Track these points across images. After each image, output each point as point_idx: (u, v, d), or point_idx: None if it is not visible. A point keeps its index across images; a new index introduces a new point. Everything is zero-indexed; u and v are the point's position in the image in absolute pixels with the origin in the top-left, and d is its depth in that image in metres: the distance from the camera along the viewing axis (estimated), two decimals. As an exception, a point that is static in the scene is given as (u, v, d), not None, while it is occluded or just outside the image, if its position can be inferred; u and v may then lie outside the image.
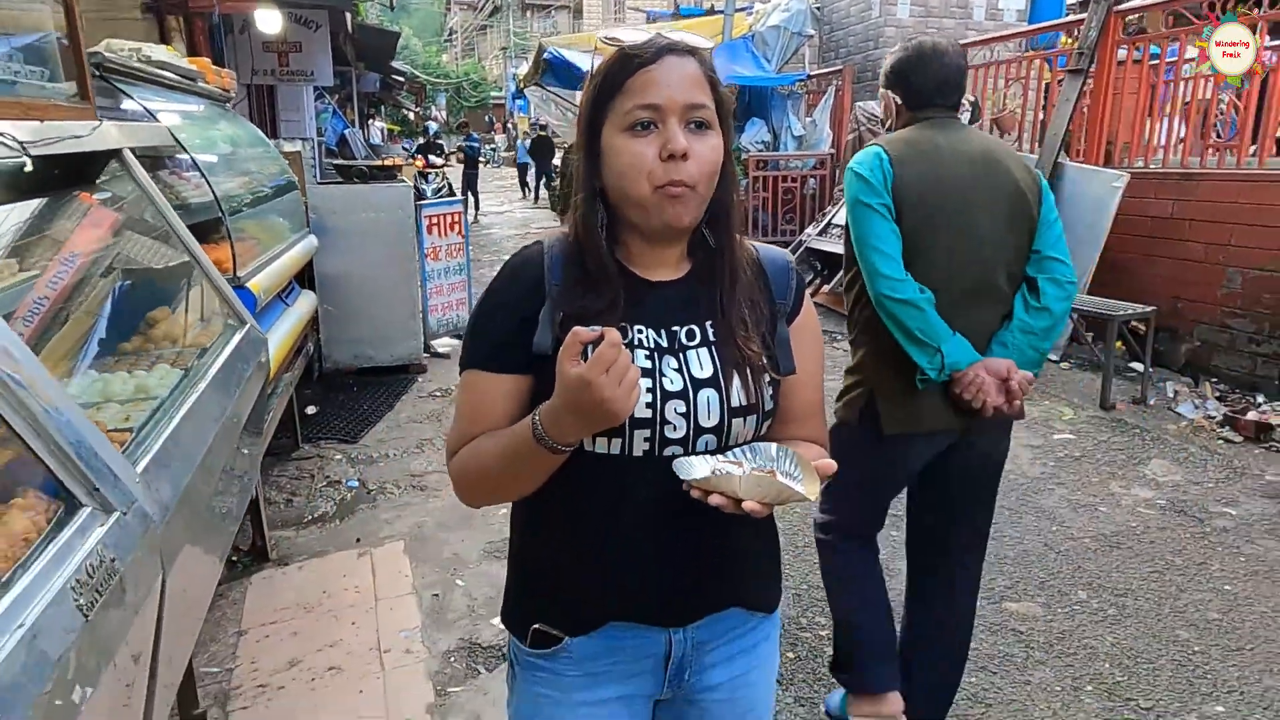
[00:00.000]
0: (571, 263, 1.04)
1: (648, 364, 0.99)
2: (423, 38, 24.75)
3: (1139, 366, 4.91)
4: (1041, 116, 6.81)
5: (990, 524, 2.14)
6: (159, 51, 3.50)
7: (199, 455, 1.74)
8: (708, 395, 1.00)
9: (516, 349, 1.01)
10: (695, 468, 0.96)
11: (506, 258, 1.11)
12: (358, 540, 3.38)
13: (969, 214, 1.84)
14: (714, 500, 0.90)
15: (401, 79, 18.63)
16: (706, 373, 1.01)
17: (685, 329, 1.03)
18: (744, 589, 1.11)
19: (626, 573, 1.04)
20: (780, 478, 0.93)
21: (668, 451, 0.99)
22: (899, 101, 2.01)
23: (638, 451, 0.99)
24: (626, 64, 0.98)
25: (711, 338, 1.03)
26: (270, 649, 2.69)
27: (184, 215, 3.10)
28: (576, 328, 0.86)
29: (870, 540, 2.16)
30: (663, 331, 1.03)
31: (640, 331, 1.02)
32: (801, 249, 7.85)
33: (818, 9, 10.85)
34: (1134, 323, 4.79)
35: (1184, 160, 5.33)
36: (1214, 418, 4.34)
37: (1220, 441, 4.11)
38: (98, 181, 2.30)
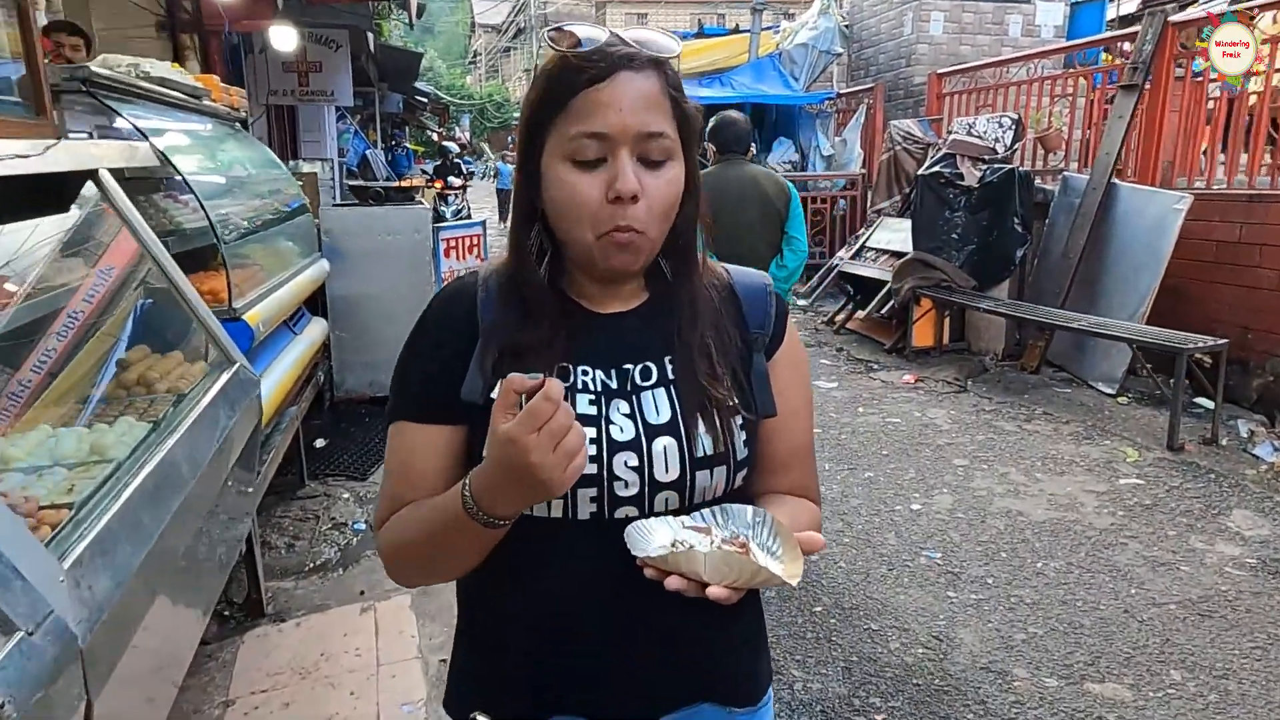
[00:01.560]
0: (509, 294, 0.90)
1: (592, 410, 0.86)
2: (447, 60, 24.87)
3: (1206, 403, 4.54)
4: (1079, 135, 6.50)
5: None
6: (160, 68, 3.29)
7: (157, 528, 1.47)
8: (665, 444, 0.85)
9: (446, 396, 0.88)
10: (653, 535, 0.80)
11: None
12: (361, 593, 3.11)
13: (740, 211, 3.25)
14: (672, 584, 0.75)
15: (425, 100, 18.62)
16: (664, 417, 0.87)
17: (640, 367, 0.90)
18: (718, 680, 0.93)
19: (572, 658, 0.88)
20: (755, 553, 0.77)
21: (620, 513, 0.85)
22: (714, 148, 3.42)
23: (583, 514, 0.84)
24: (571, 79, 0.82)
25: (670, 376, 0.89)
26: (259, 724, 2.41)
27: (177, 242, 2.89)
28: (512, 375, 0.72)
29: None
30: (612, 371, 0.89)
31: (586, 373, 0.88)
32: (834, 273, 7.55)
33: (847, 27, 10.61)
34: (1200, 355, 4.43)
35: (1251, 181, 4.97)
36: (1297, 461, 3.97)
37: (1307, 489, 3.74)
38: (74, 207, 2.07)
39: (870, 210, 8.12)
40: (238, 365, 2.26)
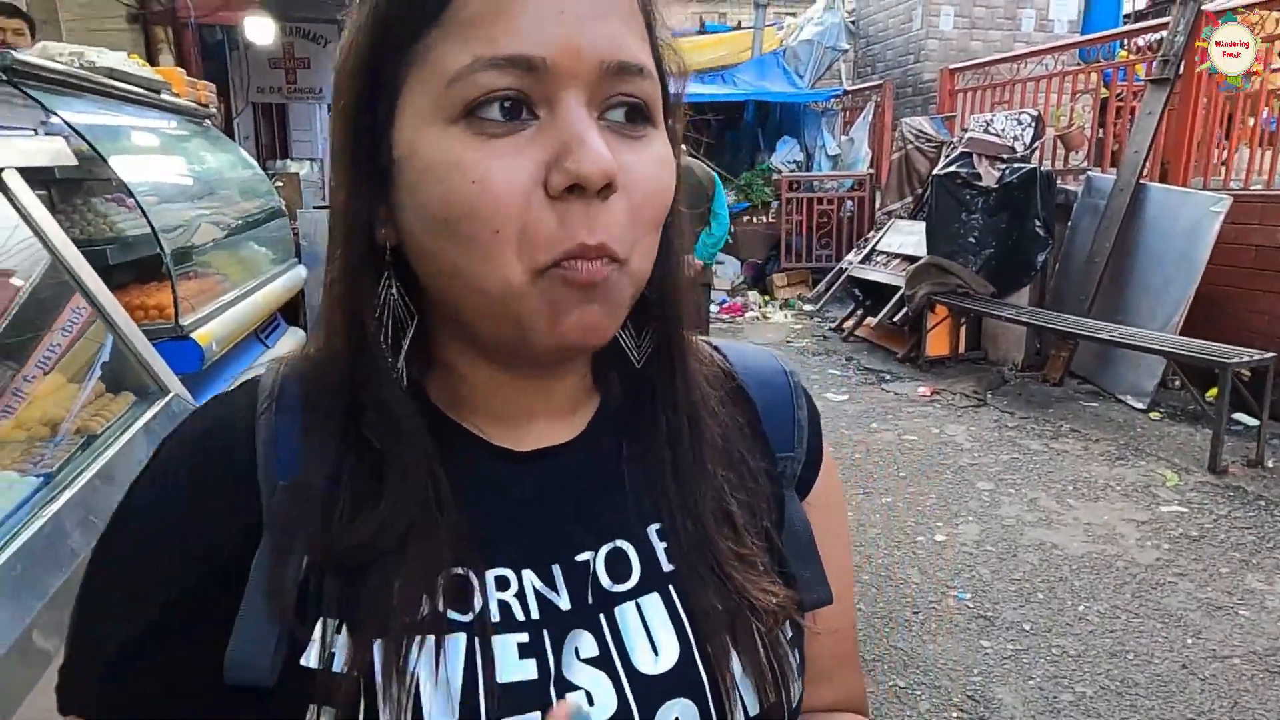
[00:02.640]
0: (319, 429, 0.46)
1: (527, 668, 0.44)
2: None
3: (1248, 419, 4.23)
4: (1100, 134, 6.20)
5: None
6: (112, 58, 2.99)
7: (29, 614, 1.16)
8: (677, 714, 0.46)
9: (180, 662, 0.44)
10: None
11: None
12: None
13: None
14: None
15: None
16: (668, 658, 0.47)
17: (606, 552, 0.49)
18: None
19: None
20: None
21: None
22: None
23: None
24: None
25: (665, 565, 0.49)
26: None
27: (118, 251, 2.59)
28: None
29: None
30: (555, 569, 0.48)
31: (503, 581, 0.46)
32: (843, 277, 7.25)
33: (853, 23, 10.30)
34: (1242, 369, 4.12)
35: (1293, 181, 4.66)
36: (1352, 486, 3.65)
37: (1368, 518, 3.43)
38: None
39: (880, 212, 7.81)
40: (171, 395, 1.96)
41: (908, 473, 4.06)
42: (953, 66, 7.80)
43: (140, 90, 3.10)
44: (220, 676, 0.43)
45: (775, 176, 9.34)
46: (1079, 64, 6.99)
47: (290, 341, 3.95)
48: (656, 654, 0.47)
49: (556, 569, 0.48)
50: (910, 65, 9.23)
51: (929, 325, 5.84)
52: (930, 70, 8.61)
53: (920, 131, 7.11)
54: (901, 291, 6.00)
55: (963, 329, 5.94)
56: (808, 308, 8.21)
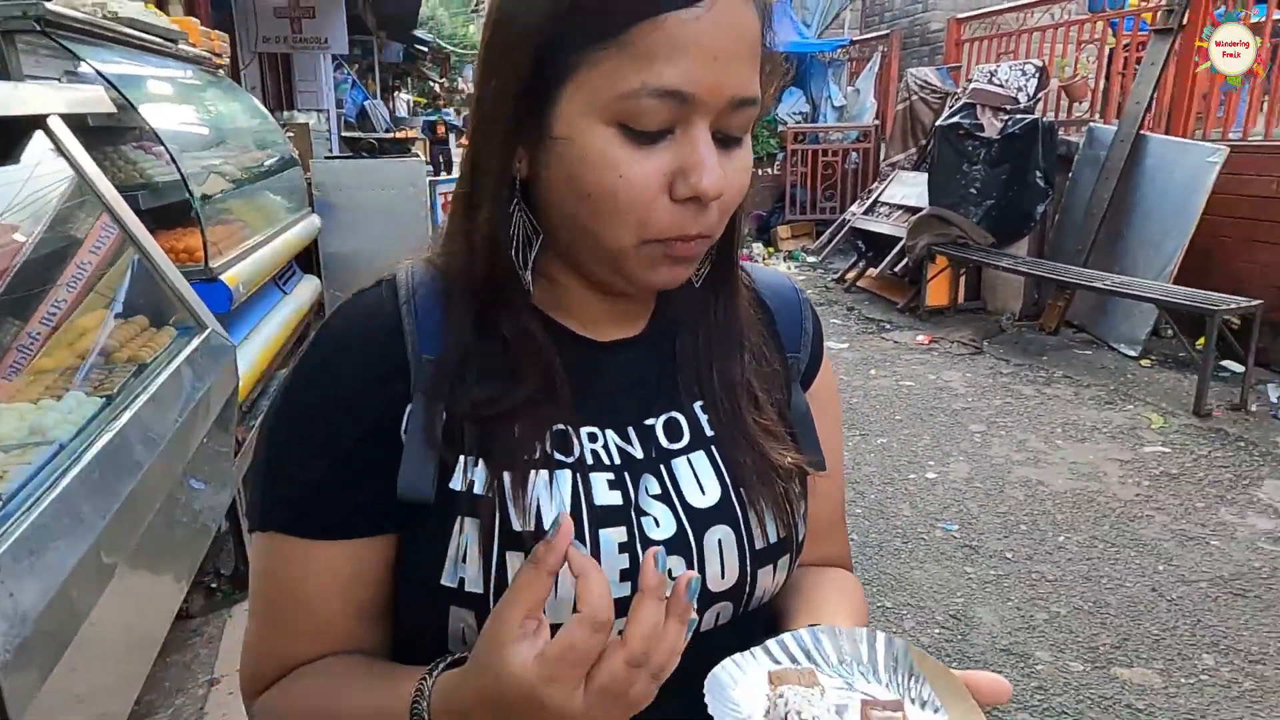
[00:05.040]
0: (460, 318, 0.60)
1: (614, 497, 0.59)
2: (449, 8, 24.27)
3: (1235, 366, 4.35)
4: (1105, 85, 6.21)
5: None
6: (131, 8, 3.07)
7: (103, 517, 1.32)
8: (720, 536, 0.61)
9: (357, 491, 0.58)
10: (735, 690, 0.53)
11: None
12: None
13: None
14: None
15: (426, 49, 18.15)
16: (711, 496, 0.62)
17: (664, 420, 0.64)
18: None
19: None
20: (915, 717, 0.53)
21: None
22: None
23: None
24: None
25: (709, 431, 0.64)
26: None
27: (148, 197, 2.70)
28: (538, 547, 0.47)
29: None
30: (630, 431, 0.62)
31: (594, 438, 0.61)
32: (846, 228, 7.32)
33: (861, -30, 10.20)
34: (1230, 317, 4.23)
35: (1291, 132, 4.71)
36: (1330, 429, 3.80)
37: (1342, 458, 3.58)
38: (22, 158, 1.89)
39: (884, 163, 7.84)
40: (209, 331, 2.10)
41: (903, 416, 4.21)
42: (959, 16, 7.75)
43: (159, 40, 3.18)
44: (390, 499, 0.57)
45: (781, 129, 9.33)
46: (1086, 14, 6.96)
47: (306, 288, 4.08)
48: (704, 493, 0.62)
49: (631, 430, 0.63)
50: (918, 15, 9.15)
51: (929, 276, 5.94)
52: (938, 20, 8.55)
53: (925, 82, 7.12)
54: (903, 242, 6.10)
55: (962, 279, 6.04)
56: (811, 259, 8.29)
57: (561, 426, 0.59)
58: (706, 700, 0.52)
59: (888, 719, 0.51)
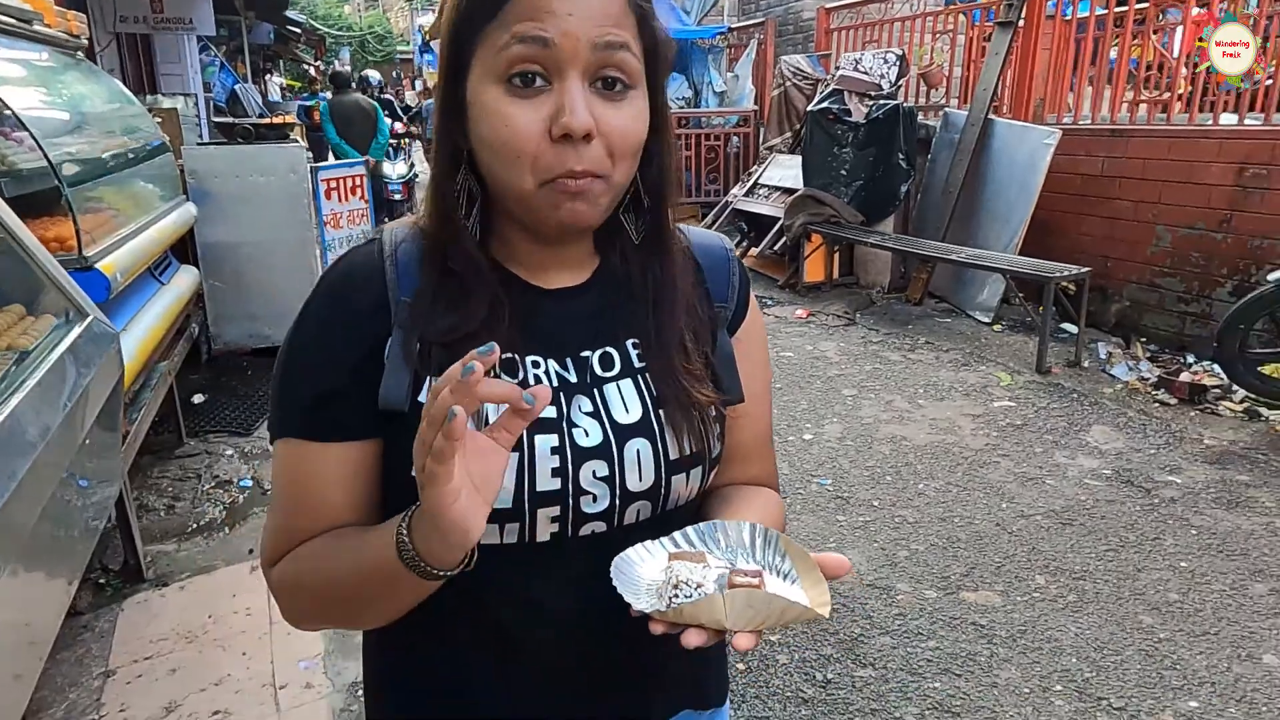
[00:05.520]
0: (429, 265, 0.74)
1: (550, 411, 0.71)
2: (322, -13, 23.32)
3: (1071, 328, 4.85)
4: (960, 72, 6.69)
5: None
6: (-21, -14, 2.93)
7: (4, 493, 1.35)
8: (638, 447, 0.73)
9: (352, 403, 0.72)
10: (640, 568, 0.70)
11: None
12: (250, 551, 2.99)
13: (356, 122, 7.70)
14: (691, 640, 0.62)
15: (298, 30, 17.44)
16: (634, 415, 0.74)
17: (599, 354, 0.76)
18: (695, 687, 0.87)
19: (536, 699, 0.77)
20: (773, 584, 0.68)
21: (586, 530, 0.73)
22: (334, 86, 8.14)
23: (543, 536, 0.72)
24: None
25: (636, 363, 0.77)
26: (143, 692, 2.30)
27: (12, 184, 2.63)
28: (450, 370, 0.56)
29: None
30: (569, 361, 0.75)
31: (537, 364, 0.74)
32: (728, 210, 7.60)
33: (737, -41, 10.49)
34: (1065, 283, 4.71)
35: (1114, 116, 5.24)
36: (1148, 379, 4.30)
37: (1156, 404, 4.07)
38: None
39: (763, 147, 8.17)
40: (91, 318, 2.09)
41: (783, 384, 4.49)
42: (828, 5, 8.13)
43: (13, 21, 3.04)
44: (373, 404, 0.70)
45: (664, 113, 9.51)
46: (943, 6, 7.45)
47: (184, 278, 3.98)
48: (628, 412, 0.74)
49: (569, 360, 0.75)
50: (791, 3, 9.53)
51: (806, 253, 6.28)
52: (810, 9, 8.93)
53: (798, 69, 7.45)
54: (780, 222, 6.41)
55: (836, 256, 6.41)
56: (697, 241, 8.53)
57: (510, 355, 0.72)
58: (612, 573, 0.67)
59: (748, 583, 0.64)
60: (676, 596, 0.64)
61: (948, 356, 4.84)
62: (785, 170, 7.00)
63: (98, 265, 2.56)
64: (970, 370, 4.60)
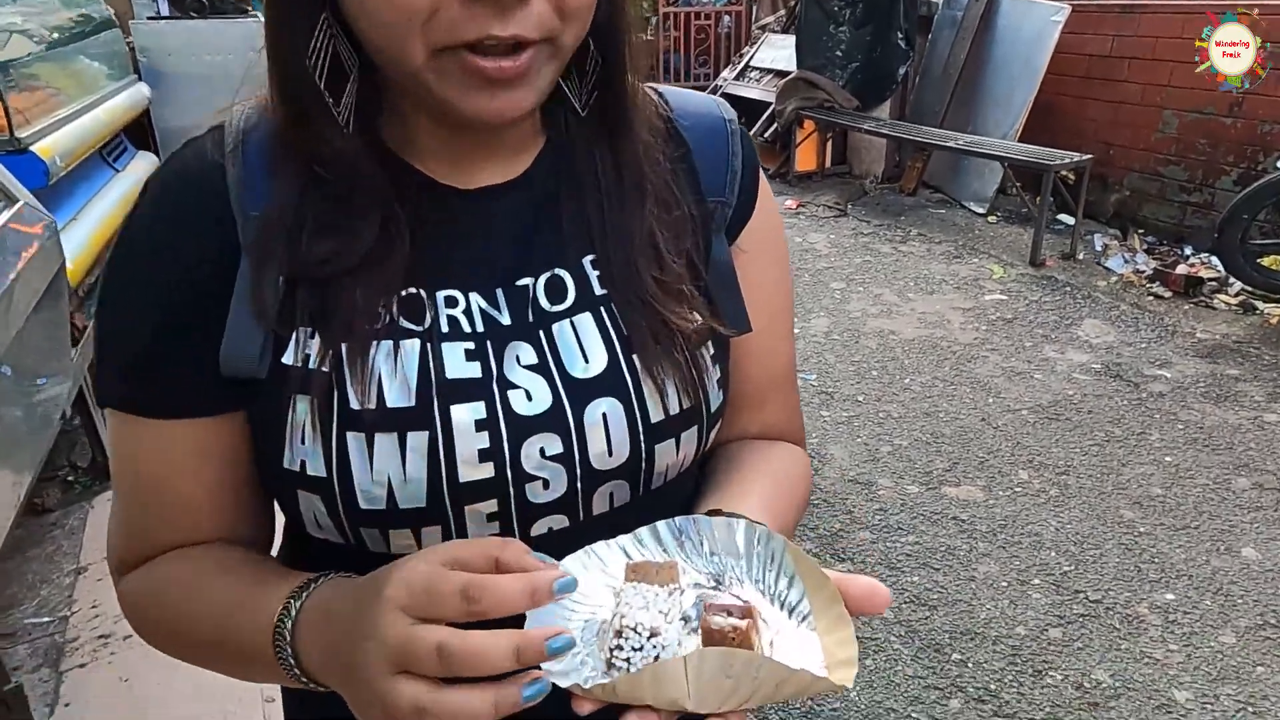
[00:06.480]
0: (287, 162, 0.51)
1: (472, 369, 0.52)
2: None
3: (1068, 219, 4.71)
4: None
5: None
6: None
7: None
8: (604, 410, 0.54)
9: (184, 368, 0.52)
10: (582, 583, 0.45)
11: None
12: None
13: None
14: None
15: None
16: (597, 364, 0.54)
17: (545, 279, 0.55)
18: None
19: None
20: (771, 626, 0.46)
21: (541, 528, 0.55)
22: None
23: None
24: None
25: (598, 290, 0.56)
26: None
27: (-71, 57, 2.40)
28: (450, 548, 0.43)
29: None
30: (499, 293, 0.54)
31: (453, 301, 0.53)
32: (719, 95, 7.25)
33: None
34: (1065, 172, 4.54)
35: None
36: (1143, 272, 4.20)
37: (1150, 298, 3.98)
38: None
39: (755, 27, 7.75)
40: (21, 204, 1.94)
41: (770, 277, 4.36)
42: None
43: None
44: (219, 374, 0.51)
45: (652, -11, 9.00)
46: None
47: (141, 165, 3.77)
48: (588, 361, 0.54)
49: (500, 292, 0.54)
50: None
51: (798, 140, 6.03)
52: (808, -128, 8.30)
53: (794, -61, 6.96)
54: (772, 107, 6.12)
55: (829, 144, 6.17)
56: (686, 128, 8.22)
57: (414, 290, 0.52)
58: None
59: (730, 625, 0.42)
60: (619, 650, 0.42)
61: (940, 249, 4.71)
62: (778, 51, 6.65)
63: (33, 148, 2.38)
64: (962, 263, 4.49)
